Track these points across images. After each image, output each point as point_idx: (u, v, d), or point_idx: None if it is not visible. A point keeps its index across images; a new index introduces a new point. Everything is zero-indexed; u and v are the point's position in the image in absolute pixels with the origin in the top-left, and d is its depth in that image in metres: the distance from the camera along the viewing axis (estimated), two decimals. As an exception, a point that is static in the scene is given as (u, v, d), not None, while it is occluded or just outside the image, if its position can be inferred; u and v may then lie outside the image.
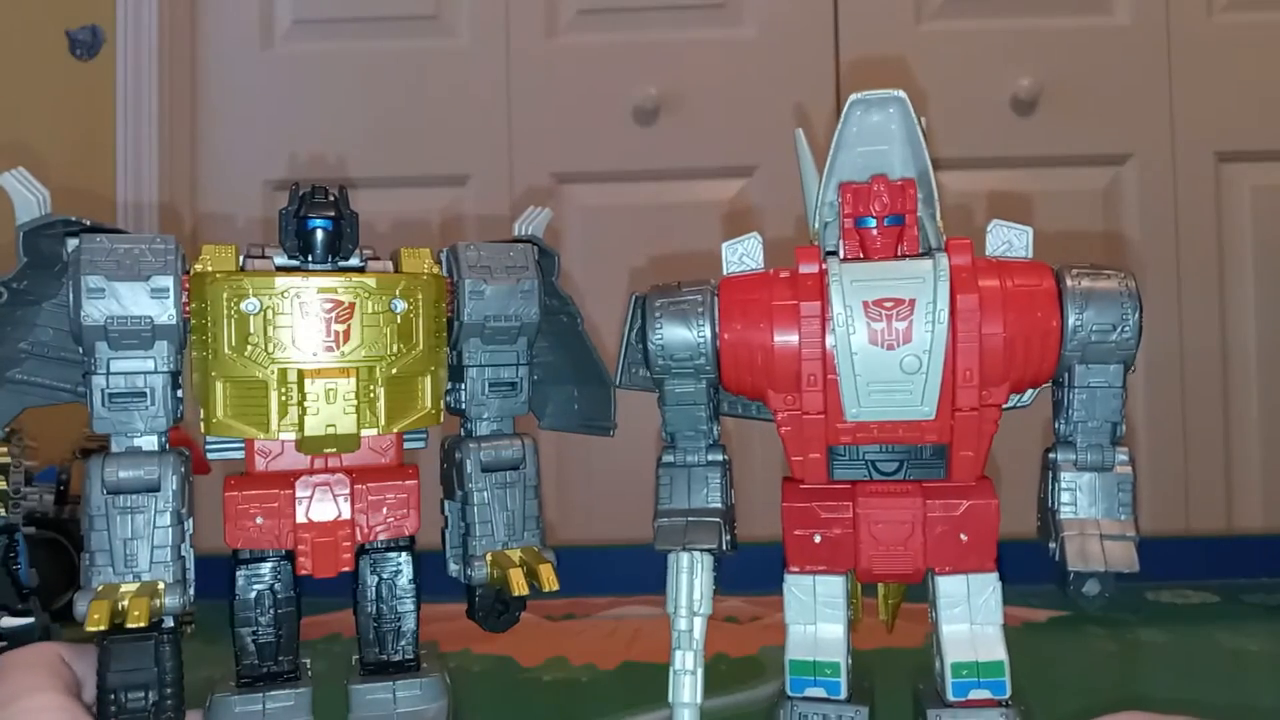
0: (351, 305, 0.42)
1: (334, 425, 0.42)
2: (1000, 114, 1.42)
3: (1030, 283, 0.41)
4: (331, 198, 0.44)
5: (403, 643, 0.47)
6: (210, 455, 0.44)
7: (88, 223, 0.41)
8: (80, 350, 0.40)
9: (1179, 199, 1.42)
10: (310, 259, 0.44)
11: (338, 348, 0.42)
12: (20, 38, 1.41)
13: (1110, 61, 1.42)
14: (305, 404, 0.41)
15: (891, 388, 0.40)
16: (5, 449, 0.78)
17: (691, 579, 0.44)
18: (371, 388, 0.43)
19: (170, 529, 0.39)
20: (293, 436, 0.42)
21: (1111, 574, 0.40)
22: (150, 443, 0.40)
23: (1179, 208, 1.42)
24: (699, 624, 0.44)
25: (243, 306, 0.41)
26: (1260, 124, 1.41)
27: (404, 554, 0.48)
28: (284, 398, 0.41)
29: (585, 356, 0.50)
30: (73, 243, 0.41)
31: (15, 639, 0.76)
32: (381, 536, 0.45)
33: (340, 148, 1.41)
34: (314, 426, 0.41)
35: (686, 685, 0.43)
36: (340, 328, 0.42)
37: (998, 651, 0.41)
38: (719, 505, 0.46)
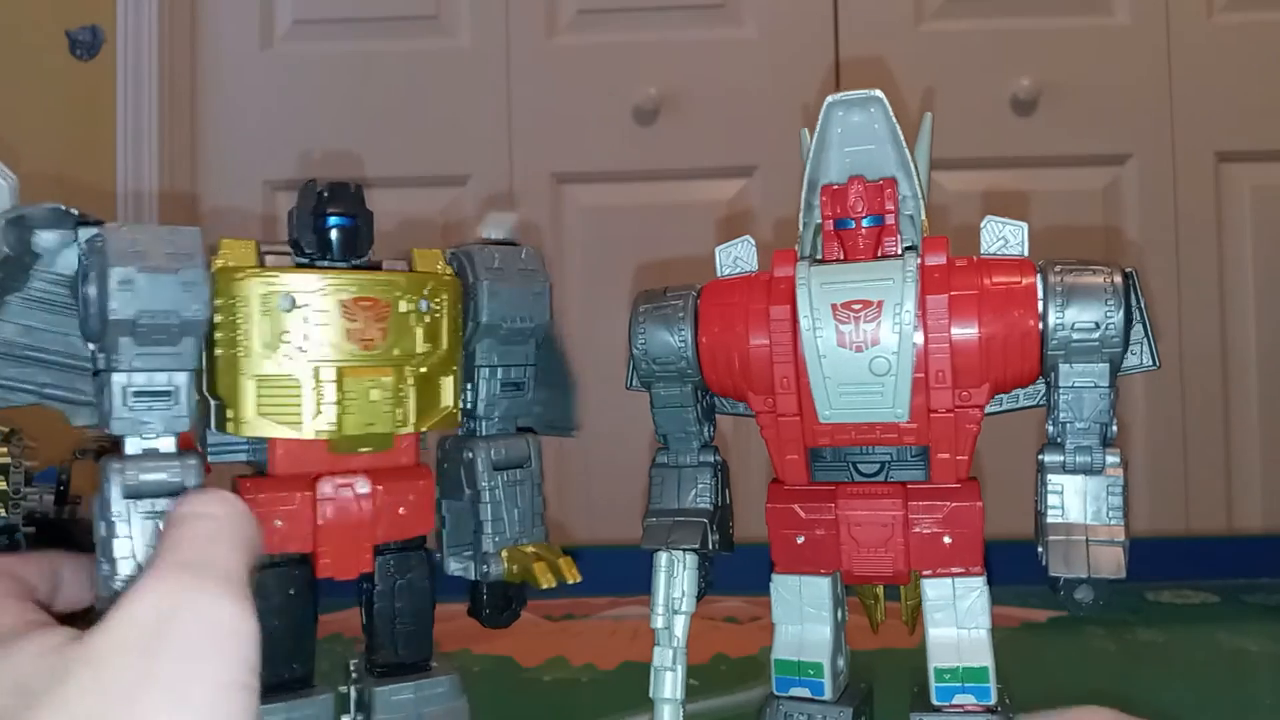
0: (387, 304, 0.42)
1: (373, 424, 0.41)
2: (1000, 114, 1.42)
3: (1009, 281, 0.40)
4: (350, 194, 0.44)
5: (418, 643, 0.47)
6: (210, 458, 0.43)
7: (75, 211, 0.39)
8: (97, 346, 0.38)
9: (1179, 199, 1.42)
10: (328, 258, 0.43)
11: (374, 346, 0.42)
12: (20, 38, 1.42)
13: (1110, 61, 1.42)
14: (345, 403, 0.41)
15: (863, 390, 0.40)
16: (5, 449, 0.78)
17: (670, 577, 0.45)
18: (403, 387, 0.42)
19: None
20: (327, 436, 0.41)
21: (1104, 581, 0.38)
22: (168, 444, 0.38)
23: (1179, 208, 1.42)
24: (680, 622, 0.45)
25: (278, 303, 0.40)
26: (1260, 124, 1.41)
27: (420, 553, 0.48)
28: (321, 396, 0.40)
29: (556, 360, 0.51)
30: (49, 234, 0.39)
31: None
32: (400, 536, 0.45)
33: (340, 148, 1.41)
34: (352, 425, 0.41)
35: (667, 681, 0.44)
36: (377, 326, 0.42)
37: (982, 657, 0.41)
38: (707, 506, 0.46)
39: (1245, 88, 1.40)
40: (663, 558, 0.45)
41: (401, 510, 0.44)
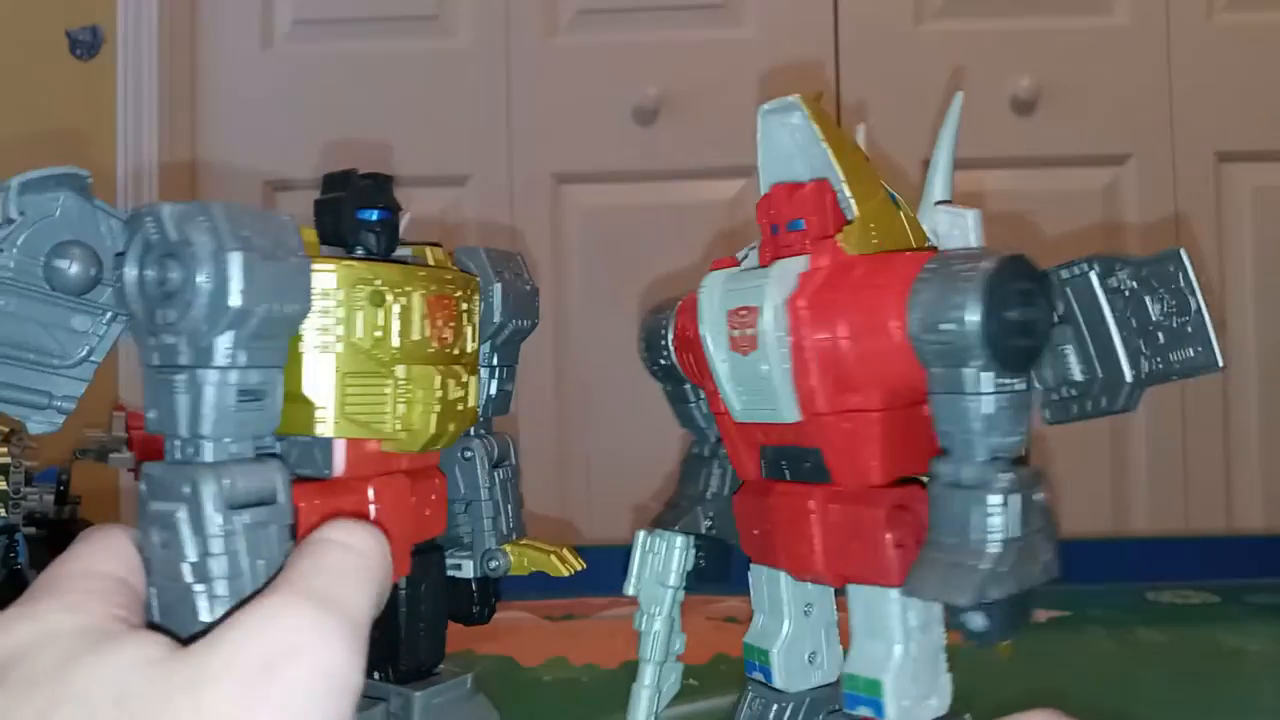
0: (455, 301, 0.42)
1: (451, 424, 0.41)
2: (1000, 114, 1.42)
3: (884, 281, 0.37)
4: (389, 187, 0.43)
5: (439, 645, 0.47)
6: None
7: (91, 179, 0.35)
8: (186, 339, 0.33)
9: (1179, 199, 1.42)
10: (365, 253, 0.42)
11: (447, 345, 0.41)
12: (20, 38, 1.42)
13: (1110, 61, 1.42)
14: (431, 402, 0.40)
15: (758, 391, 0.41)
16: (5, 449, 0.78)
17: (645, 553, 0.49)
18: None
19: (289, 545, 0.34)
20: (415, 436, 0.40)
21: (1000, 607, 0.35)
22: (248, 449, 0.34)
23: (1179, 208, 1.42)
24: (665, 595, 0.48)
25: (369, 298, 0.38)
26: (1260, 124, 1.41)
27: (439, 554, 0.48)
28: (411, 396, 0.39)
29: None
30: (41, 199, 0.34)
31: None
32: (425, 537, 0.45)
33: (340, 148, 1.41)
34: (436, 425, 0.40)
35: (646, 644, 0.48)
36: (450, 325, 0.41)
37: (878, 671, 0.39)
38: (706, 493, 0.49)
39: (1245, 88, 1.41)
40: (639, 535, 0.49)
41: (427, 511, 0.43)
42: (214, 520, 0.31)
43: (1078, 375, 0.38)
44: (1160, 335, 0.37)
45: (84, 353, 0.36)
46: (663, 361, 0.48)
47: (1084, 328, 0.38)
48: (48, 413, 0.35)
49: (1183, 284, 0.36)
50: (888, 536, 0.38)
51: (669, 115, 1.45)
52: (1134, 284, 0.37)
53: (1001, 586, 0.34)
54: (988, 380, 0.35)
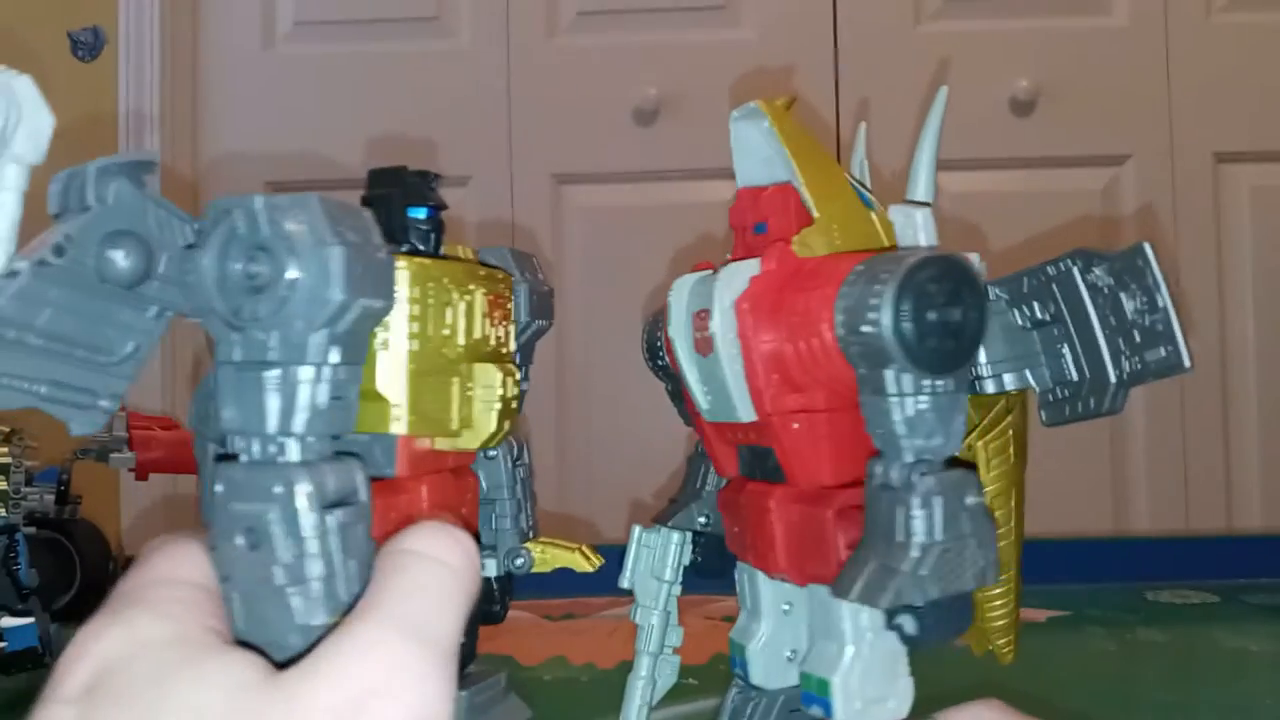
0: (506, 301, 0.42)
1: (508, 421, 0.41)
2: (999, 114, 1.42)
3: (818, 283, 0.37)
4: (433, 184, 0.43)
5: (474, 645, 0.47)
6: None
7: (157, 166, 0.34)
8: (278, 336, 0.32)
9: (1178, 199, 1.42)
10: (410, 249, 0.42)
11: (502, 345, 0.42)
12: (21, 38, 1.42)
13: (1109, 62, 1.42)
14: (492, 401, 0.40)
15: (719, 391, 0.41)
16: (5, 449, 0.78)
17: (639, 548, 0.50)
18: None
19: (371, 546, 0.33)
20: (479, 434, 0.40)
21: (930, 612, 0.34)
22: (328, 447, 0.33)
23: (1178, 208, 1.42)
24: (663, 589, 0.49)
25: (438, 297, 0.38)
26: (1260, 124, 1.41)
27: None
28: (474, 394, 0.39)
29: None
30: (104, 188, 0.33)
31: (15, 639, 0.76)
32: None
33: (341, 149, 1.41)
34: (495, 423, 0.40)
35: (642, 637, 0.49)
36: (504, 324, 0.42)
37: (827, 670, 0.39)
38: (704, 490, 0.50)
39: (1244, 88, 1.41)
40: (635, 529, 0.50)
41: (464, 510, 0.43)
42: (309, 521, 0.30)
43: (1073, 375, 0.38)
44: (1136, 334, 0.36)
45: (130, 349, 0.34)
46: (659, 362, 0.49)
47: (1071, 326, 0.38)
48: (91, 412, 0.33)
49: (1150, 280, 0.36)
50: (838, 538, 0.38)
51: (669, 115, 1.45)
52: (1110, 280, 0.37)
53: (922, 591, 0.34)
54: (908, 382, 0.35)
